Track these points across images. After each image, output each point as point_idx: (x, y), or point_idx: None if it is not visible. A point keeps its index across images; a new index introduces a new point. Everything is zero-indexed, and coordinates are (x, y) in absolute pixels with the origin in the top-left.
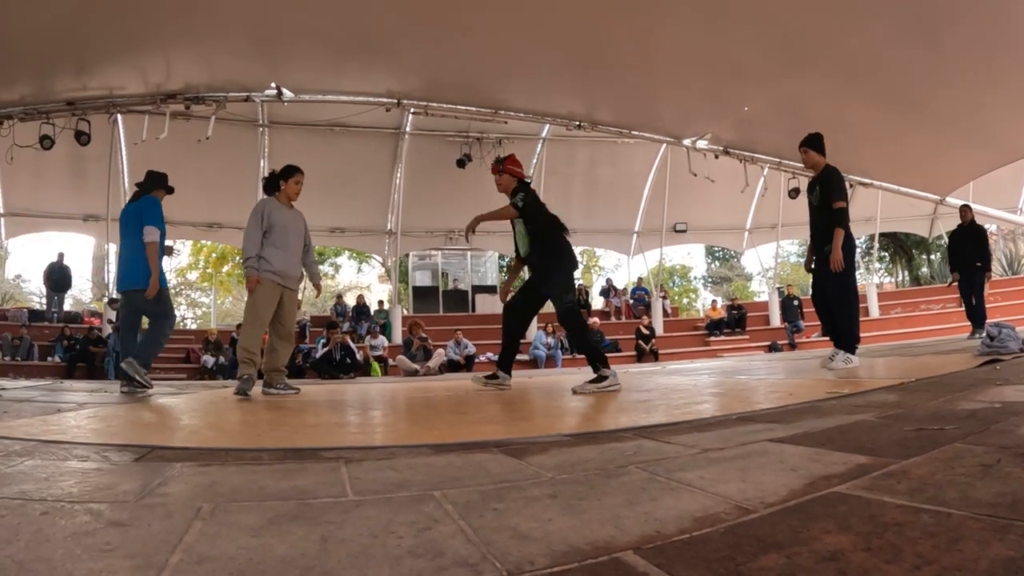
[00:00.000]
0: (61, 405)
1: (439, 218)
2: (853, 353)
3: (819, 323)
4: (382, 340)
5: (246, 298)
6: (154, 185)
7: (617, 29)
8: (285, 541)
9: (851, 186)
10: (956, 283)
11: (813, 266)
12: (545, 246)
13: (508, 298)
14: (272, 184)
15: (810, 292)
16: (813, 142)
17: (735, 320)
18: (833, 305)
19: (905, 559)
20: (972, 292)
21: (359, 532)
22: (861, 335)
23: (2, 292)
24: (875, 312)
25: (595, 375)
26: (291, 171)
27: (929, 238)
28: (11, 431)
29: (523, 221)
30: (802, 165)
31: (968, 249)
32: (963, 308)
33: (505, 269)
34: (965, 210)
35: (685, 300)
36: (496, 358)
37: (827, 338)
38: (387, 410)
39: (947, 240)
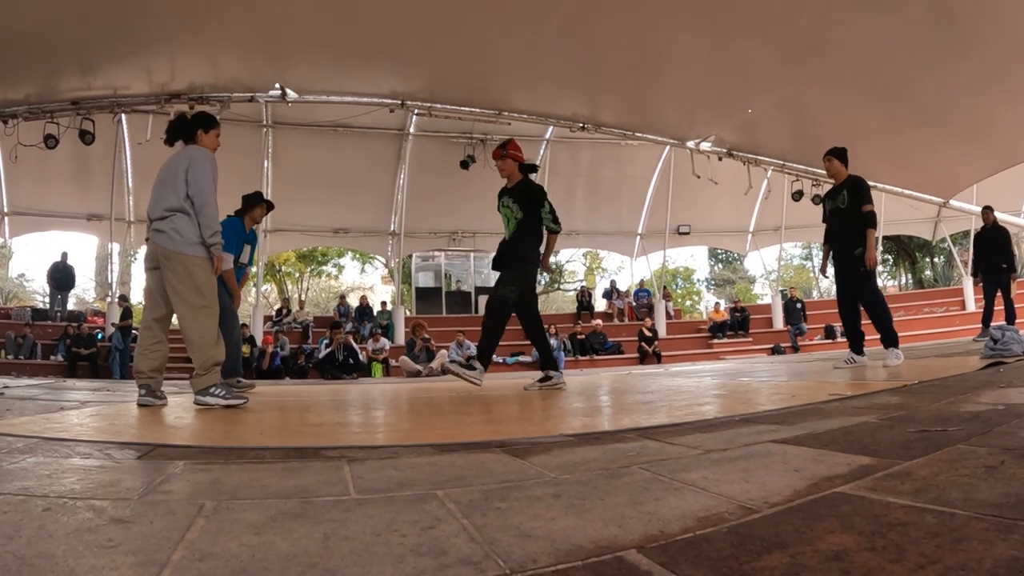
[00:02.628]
0: (64, 403)
1: (442, 219)
2: (897, 347)
3: (822, 327)
4: (384, 343)
5: (182, 284)
6: (245, 209)
7: (621, 31)
8: (287, 539)
9: None
10: (980, 284)
11: (835, 269)
12: (531, 237)
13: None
14: (185, 131)
15: (815, 295)
16: (840, 153)
17: (738, 322)
18: (869, 306)
19: (909, 559)
20: (996, 293)
21: (362, 530)
22: (867, 338)
23: (6, 291)
24: None
25: (467, 364)
26: (213, 121)
27: (932, 241)
28: (14, 428)
29: (523, 212)
30: (806, 167)
31: (993, 250)
32: (967, 311)
33: None
34: (987, 212)
35: (688, 302)
36: (499, 360)
37: (830, 340)
38: (390, 410)
39: (972, 241)
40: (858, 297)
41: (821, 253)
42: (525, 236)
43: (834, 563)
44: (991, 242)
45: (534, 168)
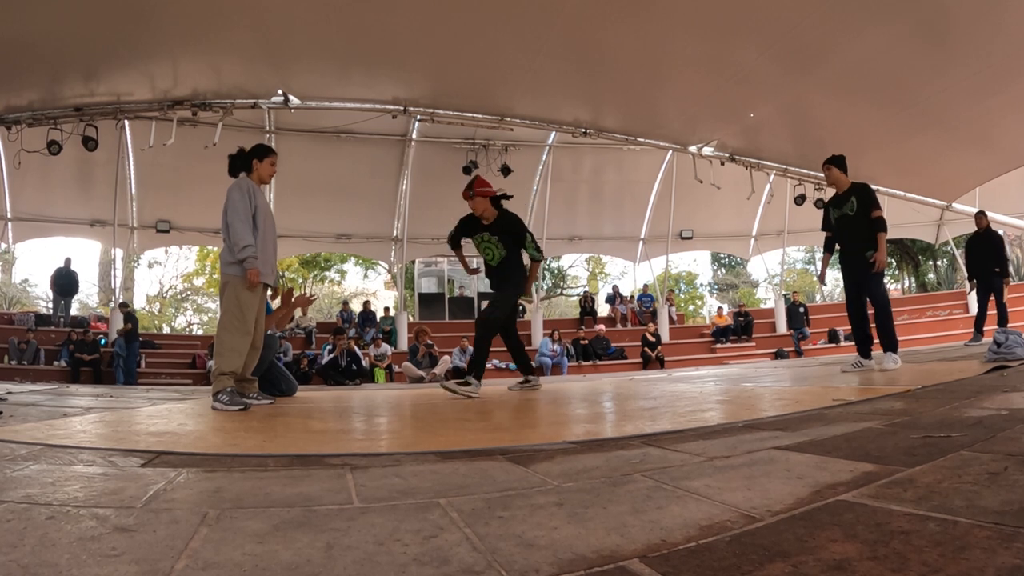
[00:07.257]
0: (67, 409)
1: (445, 225)
2: (895, 352)
3: (826, 330)
4: (387, 348)
5: (222, 300)
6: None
7: (623, 36)
8: (290, 548)
9: None
10: (974, 290)
11: (844, 274)
12: (517, 266)
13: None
14: (243, 162)
15: (818, 299)
16: (838, 161)
17: (741, 327)
18: (877, 308)
19: (911, 568)
20: (989, 298)
21: (364, 539)
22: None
23: (9, 296)
24: None
25: (464, 380)
26: (267, 151)
27: (935, 244)
28: (17, 435)
29: (507, 250)
30: (808, 171)
31: (985, 255)
32: (971, 314)
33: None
34: (980, 217)
35: (691, 307)
36: (503, 365)
37: (833, 344)
38: (393, 417)
39: (964, 247)
40: (869, 297)
41: (821, 261)
42: (513, 267)
43: (836, 572)
44: (984, 247)
45: (506, 196)
